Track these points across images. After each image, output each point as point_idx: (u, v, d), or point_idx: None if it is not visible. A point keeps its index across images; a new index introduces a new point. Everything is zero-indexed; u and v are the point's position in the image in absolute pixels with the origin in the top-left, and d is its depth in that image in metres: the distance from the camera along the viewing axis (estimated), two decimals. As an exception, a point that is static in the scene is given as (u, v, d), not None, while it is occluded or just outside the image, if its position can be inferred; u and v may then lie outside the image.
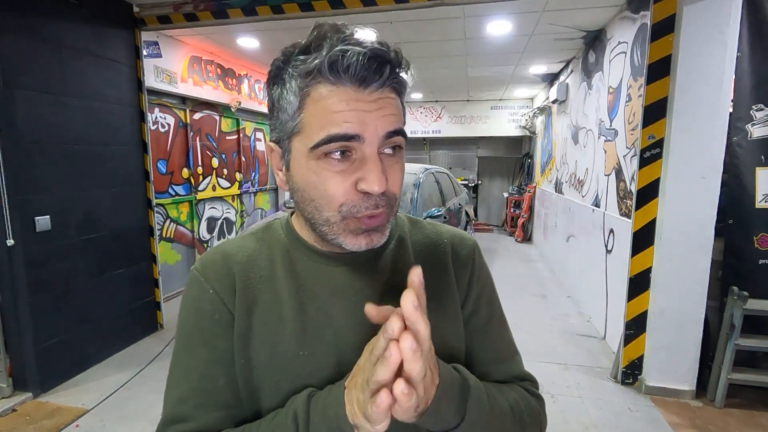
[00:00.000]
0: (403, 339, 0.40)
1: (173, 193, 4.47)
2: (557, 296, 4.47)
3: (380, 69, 0.49)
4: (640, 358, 2.66)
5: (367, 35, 0.51)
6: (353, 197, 0.51)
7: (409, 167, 4.05)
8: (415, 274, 0.43)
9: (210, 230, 5.11)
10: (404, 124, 0.55)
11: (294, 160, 0.53)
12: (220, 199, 5.28)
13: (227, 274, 0.59)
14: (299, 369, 0.56)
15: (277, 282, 0.59)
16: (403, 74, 0.52)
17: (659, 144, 2.49)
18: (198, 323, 0.59)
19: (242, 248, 0.62)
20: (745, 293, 2.40)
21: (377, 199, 0.51)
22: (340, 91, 0.49)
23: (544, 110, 6.55)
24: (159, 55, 4.01)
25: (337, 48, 0.48)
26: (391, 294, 0.57)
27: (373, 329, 0.52)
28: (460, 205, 5.67)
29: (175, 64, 4.22)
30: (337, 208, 0.51)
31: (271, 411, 0.55)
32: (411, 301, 0.40)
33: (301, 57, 0.50)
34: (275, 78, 0.55)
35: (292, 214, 0.66)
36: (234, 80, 5.25)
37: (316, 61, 0.48)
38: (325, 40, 0.49)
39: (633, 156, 2.89)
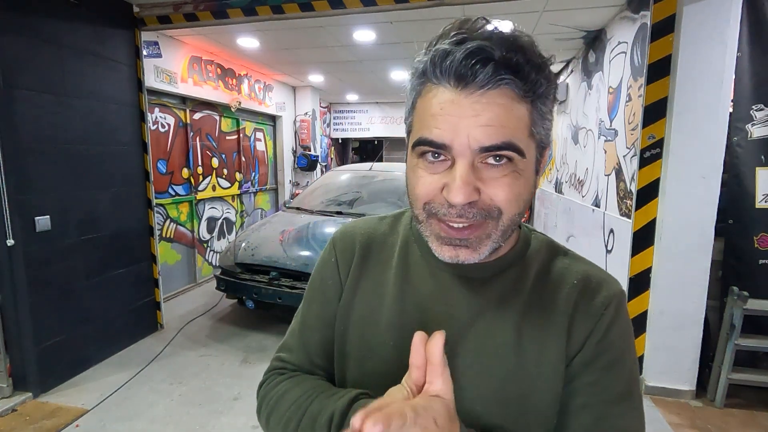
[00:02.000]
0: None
1: (173, 193, 4.47)
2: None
3: (479, 68, 0.43)
4: (640, 358, 2.66)
5: (499, 28, 0.46)
6: (438, 200, 0.49)
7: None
8: (430, 346, 0.43)
9: (210, 230, 5.12)
10: (535, 134, 0.48)
11: (407, 155, 0.54)
12: (220, 199, 5.28)
13: (351, 248, 0.65)
14: (383, 355, 0.58)
15: (388, 268, 0.62)
16: (527, 74, 0.45)
17: (659, 144, 2.49)
18: (318, 282, 0.67)
19: (372, 229, 0.67)
20: (745, 293, 2.40)
21: (462, 210, 0.47)
22: (440, 92, 0.46)
23: (544, 110, 6.54)
24: (159, 55, 4.01)
25: (441, 47, 0.45)
26: (485, 318, 0.56)
27: (457, 342, 0.54)
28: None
29: (175, 64, 4.22)
30: (422, 206, 0.51)
31: (354, 381, 0.60)
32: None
33: (419, 57, 0.49)
34: (409, 78, 0.53)
35: None
36: (234, 80, 5.25)
37: (424, 60, 0.47)
38: (440, 38, 0.47)
39: (633, 156, 2.89)
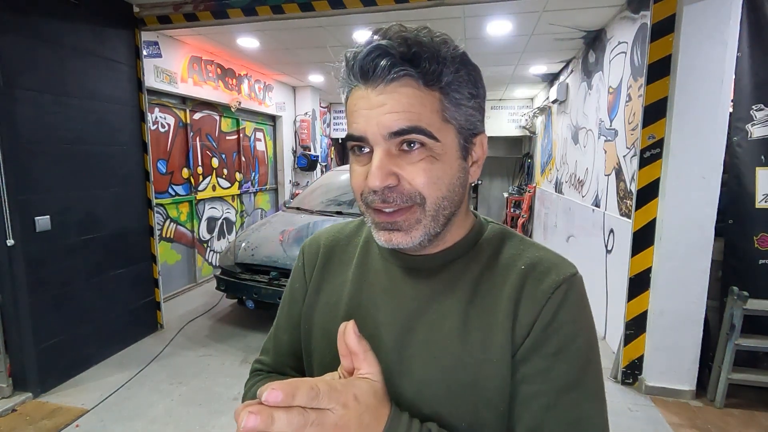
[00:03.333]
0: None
1: (173, 193, 4.46)
2: (557, 296, 4.46)
3: (377, 62, 0.48)
4: (640, 358, 2.66)
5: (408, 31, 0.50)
6: (366, 188, 0.52)
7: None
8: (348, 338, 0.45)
9: (210, 230, 5.11)
10: (449, 119, 0.51)
11: None
12: (220, 199, 5.28)
13: (315, 253, 0.70)
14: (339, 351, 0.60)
15: (349, 267, 0.66)
16: (427, 64, 0.48)
17: (659, 144, 2.49)
18: (289, 288, 0.73)
19: (337, 232, 0.72)
20: (745, 293, 2.40)
21: (384, 195, 0.51)
22: (355, 91, 0.51)
23: (544, 110, 6.55)
24: (159, 55, 4.01)
25: (350, 51, 0.50)
26: (432, 306, 0.57)
27: (404, 337, 0.56)
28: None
29: (175, 64, 4.22)
30: (360, 198, 0.55)
31: (319, 375, 0.61)
32: (279, 392, 0.37)
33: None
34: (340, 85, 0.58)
35: None
36: (234, 80, 5.25)
37: (342, 66, 0.52)
38: (357, 45, 0.51)
39: (633, 156, 2.89)
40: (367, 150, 0.52)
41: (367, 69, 0.49)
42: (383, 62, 0.48)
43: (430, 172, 0.50)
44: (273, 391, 0.37)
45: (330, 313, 0.64)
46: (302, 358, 0.69)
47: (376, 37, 0.50)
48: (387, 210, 0.52)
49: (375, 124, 0.49)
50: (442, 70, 0.49)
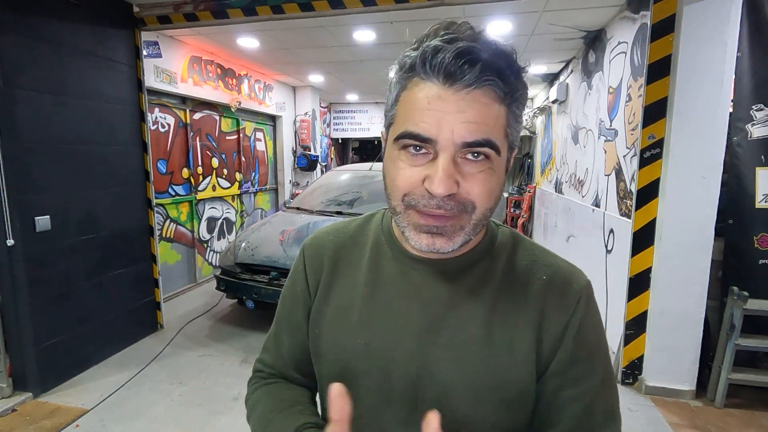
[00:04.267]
0: None
1: (173, 193, 4.47)
2: (557, 296, 4.46)
3: (468, 66, 0.46)
4: (640, 358, 2.66)
5: (482, 34, 0.49)
6: (418, 190, 0.51)
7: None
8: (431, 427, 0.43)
9: (210, 230, 5.12)
10: (508, 135, 0.51)
11: (386, 149, 0.56)
12: (220, 199, 5.28)
13: (320, 257, 0.68)
14: (354, 355, 0.60)
15: (359, 269, 0.64)
16: (508, 78, 0.48)
17: (659, 144, 2.49)
18: (289, 287, 0.71)
19: (341, 233, 0.70)
20: (745, 293, 2.40)
21: (441, 201, 0.50)
22: (427, 87, 0.48)
23: (544, 110, 6.55)
24: (159, 55, 4.01)
25: (432, 44, 0.48)
26: (455, 311, 0.57)
27: (426, 342, 0.57)
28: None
29: (175, 64, 4.22)
30: (401, 198, 0.53)
31: (329, 379, 0.61)
32: None
33: (407, 52, 0.51)
34: (394, 70, 0.55)
35: None
36: (234, 80, 5.25)
37: (413, 55, 0.49)
38: (428, 36, 0.49)
39: (633, 156, 2.89)
40: (425, 152, 0.50)
41: (453, 70, 0.46)
42: (475, 69, 0.46)
43: (487, 183, 0.51)
44: None
45: (342, 318, 0.63)
46: (303, 359, 0.69)
47: (450, 32, 0.48)
48: (436, 214, 0.51)
49: (449, 131, 0.47)
50: (518, 85, 0.50)
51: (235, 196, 5.60)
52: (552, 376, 0.56)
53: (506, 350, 0.55)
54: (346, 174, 4.76)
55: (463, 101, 0.47)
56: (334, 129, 8.62)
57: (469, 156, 0.49)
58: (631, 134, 2.96)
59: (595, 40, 4.00)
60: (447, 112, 0.47)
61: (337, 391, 0.45)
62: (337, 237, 0.69)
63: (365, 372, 0.59)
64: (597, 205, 3.69)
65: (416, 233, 0.53)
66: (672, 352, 2.57)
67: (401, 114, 0.51)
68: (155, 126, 4.19)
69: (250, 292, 3.29)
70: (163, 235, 4.35)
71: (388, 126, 0.55)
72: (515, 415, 0.56)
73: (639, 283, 2.62)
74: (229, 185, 5.43)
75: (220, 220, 5.31)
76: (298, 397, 0.67)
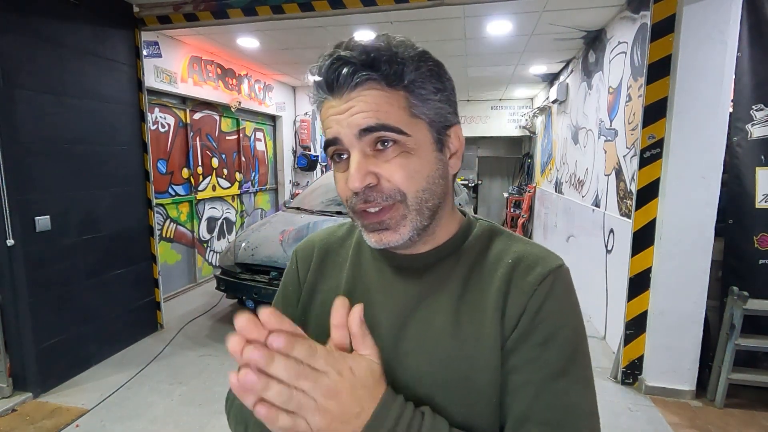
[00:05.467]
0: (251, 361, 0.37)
1: (173, 193, 4.47)
2: (557, 296, 4.46)
3: (339, 72, 0.51)
4: (640, 358, 2.66)
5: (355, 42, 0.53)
6: (349, 194, 0.54)
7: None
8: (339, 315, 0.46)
9: (210, 230, 5.11)
10: (418, 114, 0.53)
11: None
12: (220, 199, 5.28)
13: (309, 256, 0.71)
14: None
15: (343, 269, 0.67)
16: (387, 66, 0.51)
17: (659, 144, 2.49)
18: (282, 288, 0.73)
19: (330, 235, 0.73)
20: (745, 293, 2.40)
21: (365, 195, 0.53)
22: (326, 103, 0.54)
23: (544, 110, 6.55)
24: (159, 55, 4.01)
25: (314, 65, 0.54)
26: (424, 303, 0.59)
27: (399, 335, 0.58)
28: (459, 205, 5.67)
29: (175, 64, 4.22)
30: (346, 203, 0.56)
31: None
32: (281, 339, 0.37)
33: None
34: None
35: None
36: (234, 80, 5.25)
37: (312, 84, 0.55)
38: (321, 58, 0.54)
39: (633, 156, 2.89)
40: (345, 156, 0.54)
41: (331, 80, 0.52)
42: (345, 70, 0.50)
43: (406, 166, 0.52)
44: (277, 336, 0.37)
45: (325, 315, 0.63)
46: None
47: (334, 49, 0.53)
48: (371, 210, 0.54)
49: (346, 126, 0.52)
50: (402, 69, 0.52)
51: (235, 196, 5.60)
52: (506, 356, 0.54)
53: (474, 339, 0.55)
54: (346, 174, 4.75)
55: (350, 101, 0.52)
56: (334, 129, 8.61)
57: (378, 146, 0.52)
58: (631, 134, 2.96)
59: (595, 40, 4.00)
60: (340, 114, 0.52)
61: (340, 302, 0.47)
62: (326, 239, 0.73)
63: None
64: (597, 205, 3.69)
65: (367, 233, 0.56)
66: (672, 352, 2.57)
67: (323, 132, 0.57)
68: (155, 126, 4.19)
69: (250, 292, 3.29)
70: (163, 235, 4.35)
71: None
72: (487, 406, 0.55)
73: (639, 283, 2.62)
74: (229, 185, 5.43)
75: (220, 220, 5.31)
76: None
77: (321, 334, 0.62)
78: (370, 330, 0.57)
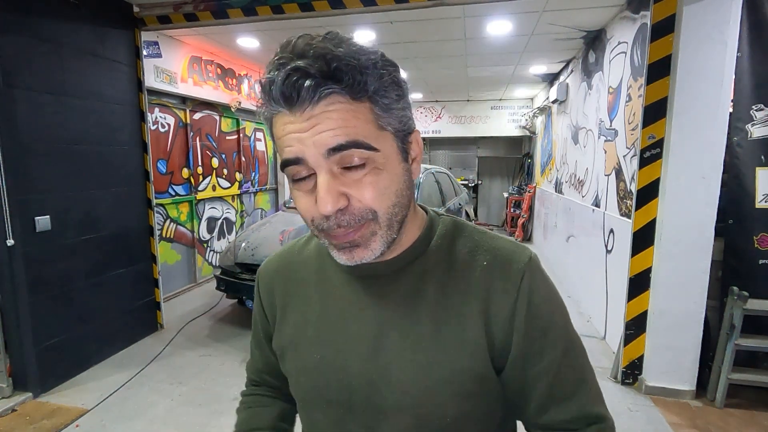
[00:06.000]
0: None
1: (173, 193, 4.47)
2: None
3: (300, 86, 0.45)
4: (640, 358, 2.66)
5: (306, 50, 0.47)
6: (317, 215, 0.50)
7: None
8: None
9: (210, 230, 5.11)
10: (385, 126, 0.49)
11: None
12: (220, 199, 5.28)
13: (270, 281, 0.70)
14: (312, 370, 0.61)
15: (309, 285, 0.65)
16: (350, 78, 0.46)
17: (659, 144, 2.49)
18: (255, 309, 0.75)
19: (289, 253, 0.71)
20: (745, 293, 2.40)
21: (337, 219, 0.49)
22: (280, 117, 0.49)
23: (544, 110, 6.55)
24: (159, 55, 4.01)
25: (267, 77, 0.47)
26: (401, 313, 0.58)
27: (377, 347, 0.57)
28: (460, 205, 5.67)
29: (175, 64, 4.22)
30: (311, 224, 0.52)
31: (298, 397, 0.66)
32: None
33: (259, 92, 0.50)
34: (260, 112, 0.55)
35: None
36: (234, 80, 5.25)
37: (260, 95, 0.49)
38: (268, 66, 0.49)
39: (633, 156, 2.89)
40: (306, 174, 0.49)
41: (289, 95, 0.46)
42: (306, 83, 0.45)
43: (377, 184, 0.49)
44: None
45: (300, 336, 0.64)
46: (273, 369, 0.74)
47: (284, 55, 0.47)
48: (339, 233, 0.51)
49: (311, 145, 0.47)
50: (366, 80, 0.47)
51: (235, 196, 5.60)
52: (514, 361, 0.56)
53: (456, 342, 0.55)
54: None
55: (313, 117, 0.46)
56: (334, 129, 8.61)
57: (346, 164, 0.48)
58: (631, 134, 2.96)
59: (595, 40, 4.00)
60: (302, 131, 0.47)
61: None
62: (286, 258, 0.71)
63: (326, 385, 0.60)
64: (597, 205, 3.69)
65: (336, 251, 0.53)
66: (672, 352, 2.57)
67: (278, 149, 0.51)
68: (155, 126, 4.19)
69: (250, 292, 3.29)
70: (163, 235, 4.35)
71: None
72: (477, 404, 0.57)
73: (639, 283, 2.62)
74: (229, 185, 5.43)
75: (220, 220, 5.31)
76: (264, 423, 0.74)
77: (297, 355, 0.64)
78: (345, 346, 0.59)
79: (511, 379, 0.57)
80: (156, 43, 3.96)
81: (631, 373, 2.70)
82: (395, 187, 0.51)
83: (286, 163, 0.50)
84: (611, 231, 3.29)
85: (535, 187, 7.09)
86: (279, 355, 0.68)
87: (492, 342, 0.55)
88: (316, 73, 0.45)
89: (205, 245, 5.03)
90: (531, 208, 7.17)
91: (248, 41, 4.30)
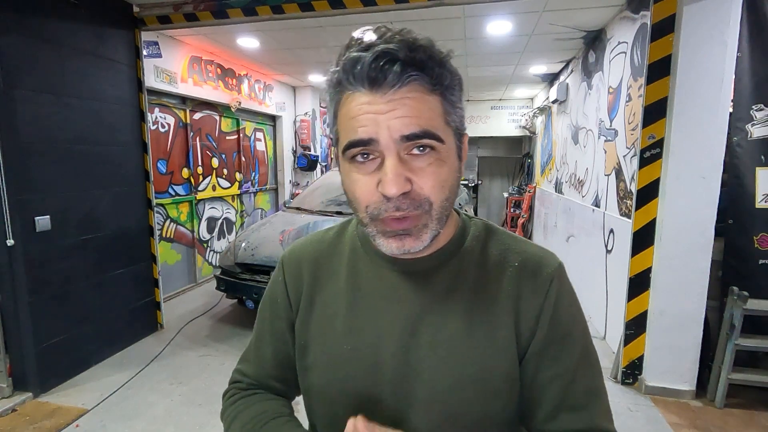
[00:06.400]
0: None
1: (173, 193, 4.46)
2: (557, 296, 4.46)
3: (388, 68, 0.47)
4: (640, 358, 2.66)
5: (388, 36, 0.49)
6: (375, 199, 0.51)
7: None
8: None
9: (210, 230, 5.11)
10: (450, 122, 0.52)
11: (339, 165, 0.56)
12: (220, 199, 5.28)
13: (298, 269, 0.68)
14: (341, 361, 0.61)
15: (339, 277, 0.65)
16: (431, 69, 0.49)
17: (659, 144, 2.49)
18: (270, 300, 0.72)
19: (318, 243, 0.70)
20: (745, 293, 2.40)
21: (398, 202, 0.50)
22: (357, 97, 0.49)
23: (544, 110, 6.55)
24: (159, 55, 4.01)
25: (351, 56, 0.49)
26: (435, 308, 0.59)
27: (410, 342, 0.58)
28: (459, 205, 5.67)
29: (175, 64, 4.22)
30: (365, 210, 0.53)
31: (318, 390, 0.64)
32: None
33: (333, 69, 0.51)
34: (327, 90, 0.55)
35: None
36: (234, 80, 5.25)
37: (338, 72, 0.50)
38: (348, 48, 0.50)
39: (633, 156, 2.89)
40: (372, 157, 0.50)
41: (375, 75, 0.47)
42: (395, 68, 0.47)
43: (438, 175, 0.51)
44: None
45: (327, 328, 0.64)
46: (286, 369, 0.70)
47: (370, 38, 0.49)
48: (397, 217, 0.51)
49: (386, 128, 0.48)
50: (444, 73, 0.50)
51: (235, 196, 5.60)
52: (530, 358, 0.58)
53: (487, 341, 0.57)
54: (346, 174, 4.75)
55: (393, 101, 0.48)
56: (334, 129, 8.60)
57: (415, 150, 0.50)
58: (631, 134, 2.96)
59: (595, 40, 4.00)
60: (380, 113, 0.48)
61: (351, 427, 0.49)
62: (315, 247, 0.70)
63: (353, 376, 0.60)
64: (597, 205, 3.69)
65: (385, 239, 0.53)
66: (672, 352, 2.57)
67: (342, 129, 0.52)
68: (155, 126, 4.19)
69: (250, 292, 3.29)
70: (163, 235, 4.35)
71: (335, 143, 0.56)
72: (504, 403, 0.58)
73: (639, 283, 2.62)
74: (229, 185, 5.43)
75: (220, 220, 5.31)
76: (281, 408, 0.68)
77: (324, 348, 0.63)
78: (377, 340, 0.59)
79: (523, 377, 0.59)
80: (156, 43, 3.96)
81: (631, 373, 2.70)
82: (450, 182, 0.53)
83: (355, 144, 0.50)
84: (611, 231, 3.29)
85: (535, 187, 7.09)
86: (300, 347, 0.66)
87: (519, 341, 0.58)
88: (404, 58, 0.47)
89: (205, 245, 5.03)
90: (531, 208, 7.17)
91: (248, 41, 4.30)
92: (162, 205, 4.29)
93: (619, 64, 3.29)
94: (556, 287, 0.59)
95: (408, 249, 0.53)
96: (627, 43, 3.14)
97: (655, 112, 2.48)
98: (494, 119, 7.94)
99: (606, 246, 3.40)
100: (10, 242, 2.41)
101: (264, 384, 0.72)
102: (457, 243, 0.62)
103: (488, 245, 0.63)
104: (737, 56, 2.39)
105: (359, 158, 0.51)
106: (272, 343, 0.71)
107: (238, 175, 5.60)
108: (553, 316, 0.58)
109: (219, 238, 5.28)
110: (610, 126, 3.43)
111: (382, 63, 0.47)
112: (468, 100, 7.89)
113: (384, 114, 0.48)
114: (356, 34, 0.51)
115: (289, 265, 0.70)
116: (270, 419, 0.64)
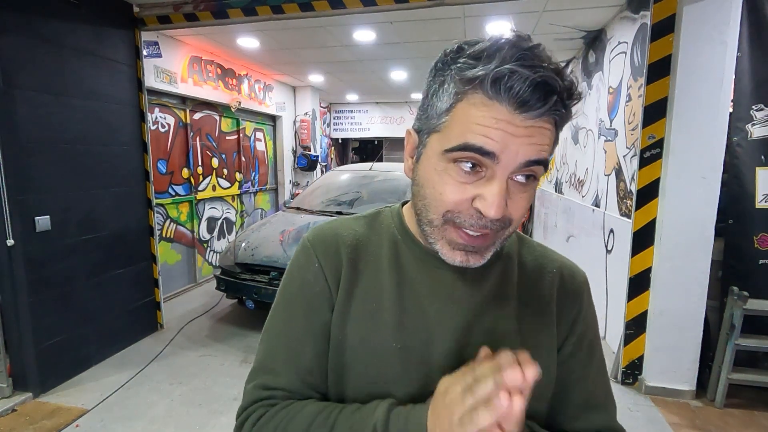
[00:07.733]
0: (516, 399, 0.42)
1: (173, 193, 4.46)
2: (557, 296, 4.46)
3: (545, 99, 0.45)
4: (640, 358, 2.66)
5: (543, 55, 0.47)
6: (465, 209, 0.50)
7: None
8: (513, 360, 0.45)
9: (210, 230, 5.11)
10: (551, 154, 0.52)
11: (425, 155, 0.53)
12: (220, 199, 5.28)
13: (335, 252, 0.62)
14: (389, 359, 0.58)
15: (381, 270, 0.61)
16: (571, 107, 0.49)
17: (659, 144, 2.49)
18: (300, 291, 0.62)
19: (352, 231, 0.65)
20: (745, 293, 2.40)
21: (489, 222, 0.49)
22: (494, 108, 0.46)
23: (544, 110, 6.54)
24: (159, 55, 4.01)
25: (506, 66, 0.45)
26: (488, 310, 0.60)
27: (463, 342, 0.58)
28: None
29: (175, 64, 4.22)
30: (443, 213, 0.51)
31: (355, 393, 0.58)
32: (531, 372, 0.43)
33: (470, 62, 0.47)
34: (438, 72, 0.51)
35: (403, 204, 0.68)
36: (234, 80, 5.25)
37: (481, 73, 0.46)
38: (499, 51, 0.46)
39: (633, 156, 2.89)
40: (479, 170, 0.48)
41: (528, 100, 0.45)
42: (550, 102, 0.45)
43: (528, 201, 0.52)
44: (520, 396, 0.42)
45: (370, 322, 0.59)
46: (325, 367, 0.61)
47: (524, 55, 0.45)
48: (475, 234, 0.50)
49: (515, 152, 0.46)
50: (571, 113, 0.50)
51: (235, 196, 5.60)
52: (562, 361, 0.62)
53: (535, 342, 0.59)
54: (346, 174, 4.76)
55: (531, 127, 0.47)
56: (334, 129, 8.61)
57: (519, 178, 0.49)
58: (631, 134, 2.96)
59: (595, 40, 4.00)
60: (515, 135, 0.46)
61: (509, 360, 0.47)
62: (352, 234, 0.64)
63: (402, 375, 0.57)
64: (597, 205, 3.69)
65: (450, 250, 0.53)
66: (672, 352, 2.57)
67: (457, 125, 0.48)
68: (155, 126, 4.19)
69: (250, 292, 3.29)
70: (163, 235, 4.35)
71: (430, 132, 0.52)
72: (545, 404, 0.61)
73: (639, 283, 2.62)
74: (229, 185, 5.43)
75: (220, 220, 5.31)
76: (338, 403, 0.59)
77: (367, 345, 0.59)
78: (427, 338, 0.59)
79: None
80: (156, 43, 3.96)
81: (631, 373, 2.70)
82: (528, 207, 0.55)
83: (471, 148, 0.47)
84: (611, 231, 3.29)
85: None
86: (337, 342, 0.59)
87: (559, 344, 0.62)
88: (562, 92, 0.46)
89: (205, 245, 5.03)
90: (531, 208, 7.17)
91: (248, 41, 4.30)
92: (162, 205, 4.29)
93: (619, 64, 3.29)
94: (587, 299, 0.64)
95: (471, 264, 0.53)
96: (627, 43, 3.14)
97: (655, 112, 2.48)
98: (494, 119, 7.92)
99: (606, 246, 3.40)
100: (10, 242, 2.41)
101: (308, 395, 0.60)
102: (500, 246, 0.61)
103: (522, 251, 0.66)
104: (737, 56, 2.39)
105: (466, 165, 0.48)
106: (311, 343, 0.60)
107: (238, 175, 5.60)
108: (584, 322, 0.63)
109: (219, 238, 5.28)
110: (610, 126, 3.43)
111: (541, 92, 0.45)
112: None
113: (519, 138, 0.46)
114: (502, 39, 0.48)
115: (323, 247, 0.62)
116: (341, 408, 0.56)
